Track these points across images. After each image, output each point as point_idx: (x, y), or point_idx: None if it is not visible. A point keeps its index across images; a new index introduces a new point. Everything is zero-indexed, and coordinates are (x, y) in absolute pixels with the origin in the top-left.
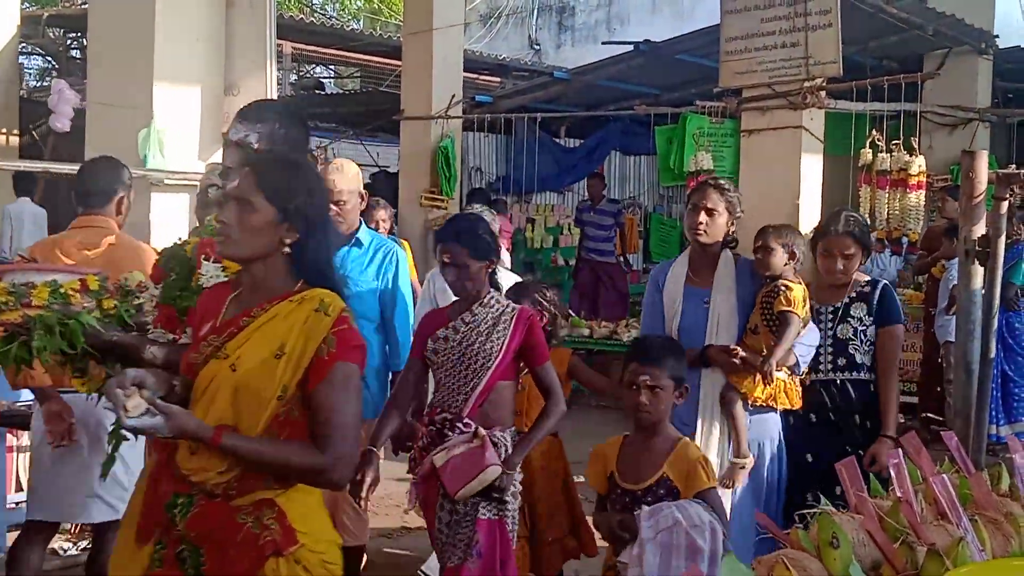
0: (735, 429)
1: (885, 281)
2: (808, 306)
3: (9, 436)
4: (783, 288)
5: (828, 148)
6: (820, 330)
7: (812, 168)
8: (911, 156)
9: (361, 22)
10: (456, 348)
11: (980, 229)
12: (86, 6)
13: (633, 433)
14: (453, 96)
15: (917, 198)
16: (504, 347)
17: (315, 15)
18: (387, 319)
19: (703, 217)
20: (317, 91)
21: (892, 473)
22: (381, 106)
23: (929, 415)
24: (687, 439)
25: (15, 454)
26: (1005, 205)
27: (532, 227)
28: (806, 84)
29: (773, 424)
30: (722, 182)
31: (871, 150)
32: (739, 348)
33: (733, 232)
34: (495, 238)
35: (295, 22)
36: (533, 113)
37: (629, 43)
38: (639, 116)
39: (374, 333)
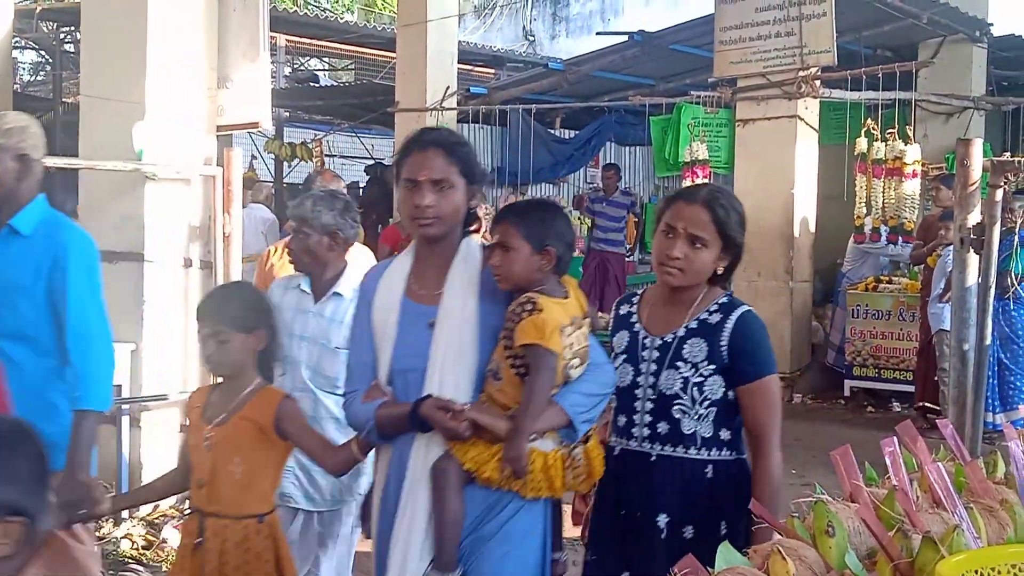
0: (440, 524)
1: (747, 306)
2: (582, 329)
3: None
4: (528, 308)
5: (823, 137)
6: (639, 373)
7: (807, 157)
8: (906, 145)
9: (355, 14)
10: None
11: (975, 217)
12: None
13: None
14: (447, 88)
15: (912, 187)
16: None
17: (309, 7)
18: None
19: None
20: (311, 84)
21: (888, 462)
22: (375, 98)
23: (926, 404)
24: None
25: None
26: (1000, 193)
27: None
28: (801, 73)
29: (528, 517)
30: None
31: (866, 139)
32: (473, 405)
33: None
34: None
35: (289, 15)
36: (528, 104)
37: (623, 33)
38: (634, 107)
39: (34, 357)
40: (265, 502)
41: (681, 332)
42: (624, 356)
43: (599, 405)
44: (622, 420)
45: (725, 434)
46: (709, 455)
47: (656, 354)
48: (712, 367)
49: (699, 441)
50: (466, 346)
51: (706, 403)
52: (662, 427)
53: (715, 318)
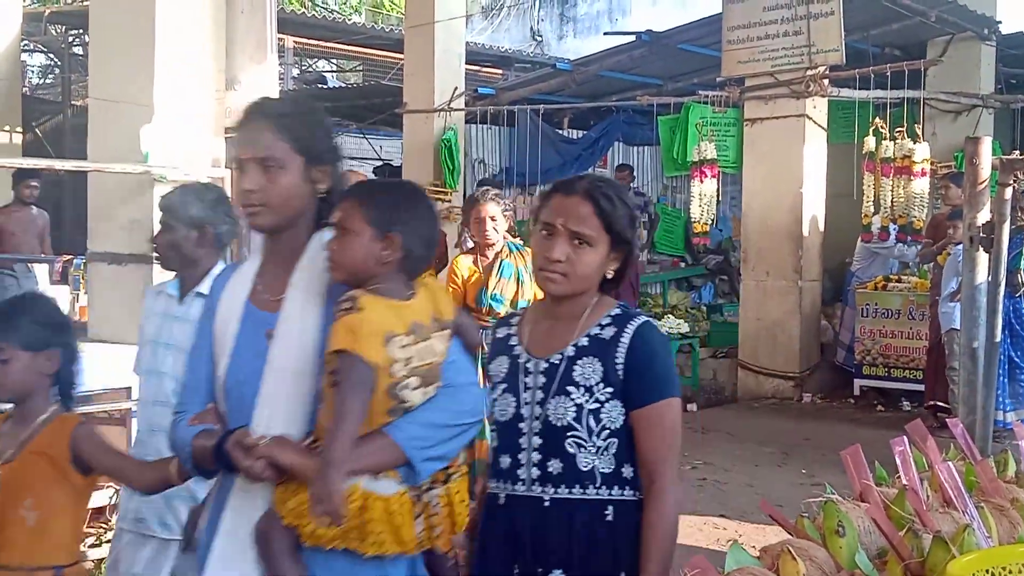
0: None
1: (644, 317)
2: (428, 341)
3: None
4: (345, 306)
5: (831, 136)
6: (522, 404)
7: (815, 156)
8: (915, 143)
9: (363, 16)
10: None
11: (984, 215)
12: (87, 3)
13: None
14: (455, 88)
15: (921, 185)
16: None
17: (316, 9)
18: None
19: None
20: (319, 85)
21: (898, 461)
22: (383, 99)
23: (936, 403)
24: None
25: None
26: (1009, 191)
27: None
28: (809, 72)
29: None
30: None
31: (875, 138)
32: (275, 439)
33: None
34: None
35: (296, 16)
36: (535, 105)
37: (631, 33)
38: (642, 106)
39: None
40: (64, 552)
41: (570, 351)
42: (504, 386)
43: (456, 439)
44: (505, 461)
45: (628, 471)
46: (610, 494)
47: (542, 379)
48: (609, 390)
49: (598, 479)
50: (305, 362)
51: (605, 433)
52: (554, 465)
53: (608, 332)
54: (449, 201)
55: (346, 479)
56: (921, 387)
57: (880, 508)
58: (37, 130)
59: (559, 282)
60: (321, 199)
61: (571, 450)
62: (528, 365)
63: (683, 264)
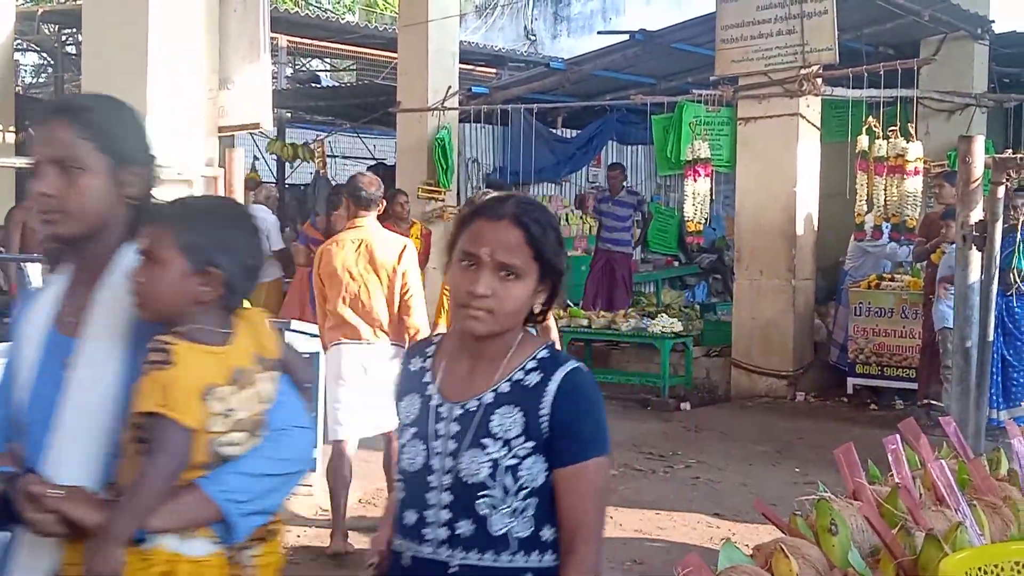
0: None
1: (575, 363)
2: (254, 388)
3: None
4: (156, 358)
5: (825, 135)
6: (432, 454)
7: (809, 155)
8: (908, 142)
9: (356, 15)
10: None
11: (977, 214)
12: (80, 2)
13: None
14: (449, 88)
15: (914, 184)
16: None
17: (310, 8)
18: None
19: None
20: (313, 84)
21: (891, 459)
22: (377, 99)
23: (930, 401)
24: None
25: None
26: (1002, 190)
27: None
28: (802, 71)
29: None
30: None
31: (868, 136)
32: (68, 491)
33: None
34: None
35: (290, 15)
36: (529, 104)
37: (625, 32)
38: (635, 106)
39: None
40: None
41: (488, 398)
42: (413, 430)
43: (279, 491)
44: (411, 517)
45: (548, 532)
46: (527, 561)
47: (455, 427)
48: (530, 445)
49: (513, 544)
50: (101, 401)
51: (523, 493)
52: (464, 527)
53: (533, 378)
54: (443, 200)
55: (152, 538)
56: (914, 386)
57: (873, 506)
58: (30, 130)
59: (484, 320)
60: (133, 206)
61: (483, 511)
62: (441, 409)
63: (677, 263)
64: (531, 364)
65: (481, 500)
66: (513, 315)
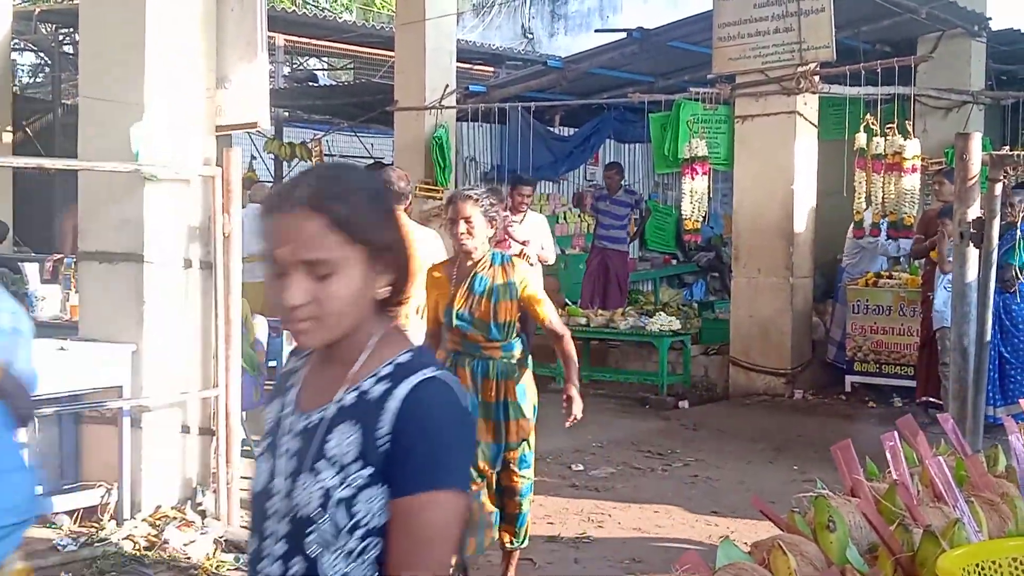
0: None
1: (434, 370)
2: None
3: None
4: None
5: (822, 133)
6: (275, 474)
7: (806, 153)
8: (905, 140)
9: (353, 13)
10: None
11: (974, 211)
12: (77, 1)
13: None
14: (446, 86)
15: (912, 182)
16: None
17: (307, 7)
18: None
19: None
20: (310, 83)
21: (889, 456)
22: (375, 97)
23: (929, 399)
24: None
25: None
26: (999, 187)
27: None
28: (799, 69)
29: None
30: None
31: (865, 134)
32: None
33: None
34: None
35: (287, 14)
36: (527, 102)
37: (622, 30)
38: (633, 104)
39: None
40: None
41: (331, 411)
42: (266, 442)
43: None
44: (252, 545)
45: None
46: None
47: (295, 444)
48: (368, 472)
49: None
50: None
51: (359, 532)
52: (297, 566)
53: (379, 389)
54: (440, 199)
55: None
56: (912, 383)
57: (871, 503)
58: (27, 129)
59: (312, 331)
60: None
61: (313, 550)
62: (288, 421)
63: (675, 261)
64: (385, 370)
65: (311, 537)
66: (346, 315)
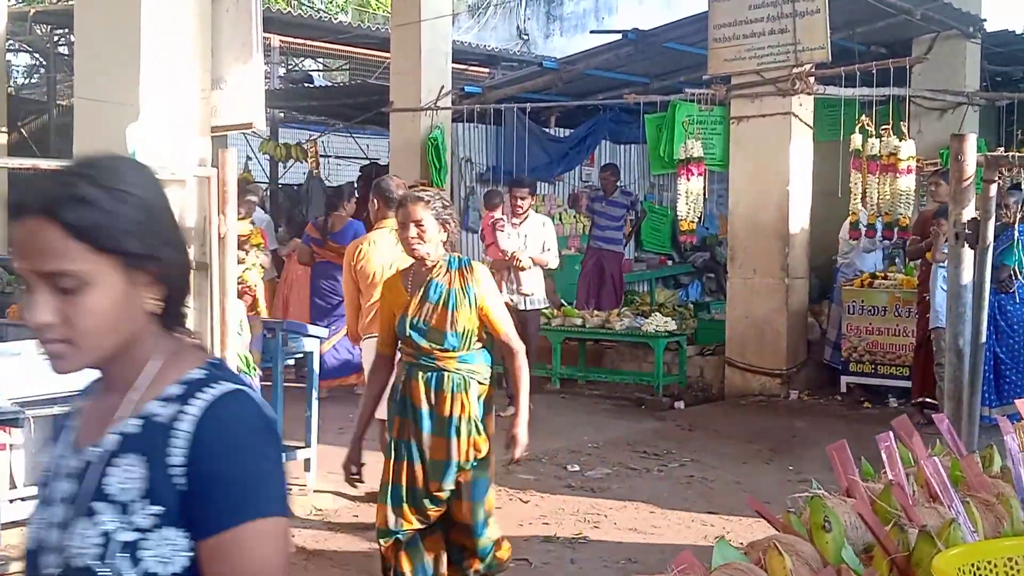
0: None
1: (233, 384)
2: None
3: (2, 433)
4: None
5: (817, 134)
6: (49, 525)
7: (802, 154)
8: (900, 141)
9: (349, 14)
10: None
11: (969, 212)
12: (72, 2)
13: None
14: (442, 87)
15: (907, 183)
16: None
17: (302, 8)
18: None
19: None
20: (305, 84)
21: (884, 456)
22: (370, 98)
23: (924, 399)
24: None
25: (8, 451)
26: (994, 187)
27: None
28: (795, 70)
29: None
30: None
31: (861, 135)
32: None
33: None
34: None
35: (282, 15)
36: (522, 103)
37: (618, 32)
38: (628, 105)
39: None
40: None
41: (110, 442)
42: (40, 492)
43: None
44: None
45: None
46: None
47: (68, 487)
48: (157, 510)
49: None
50: None
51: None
52: None
53: (168, 412)
54: None
55: None
56: (908, 383)
57: (866, 503)
58: (22, 130)
59: (65, 355)
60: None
61: None
62: (63, 462)
63: (670, 262)
64: (174, 390)
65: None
66: (106, 333)
